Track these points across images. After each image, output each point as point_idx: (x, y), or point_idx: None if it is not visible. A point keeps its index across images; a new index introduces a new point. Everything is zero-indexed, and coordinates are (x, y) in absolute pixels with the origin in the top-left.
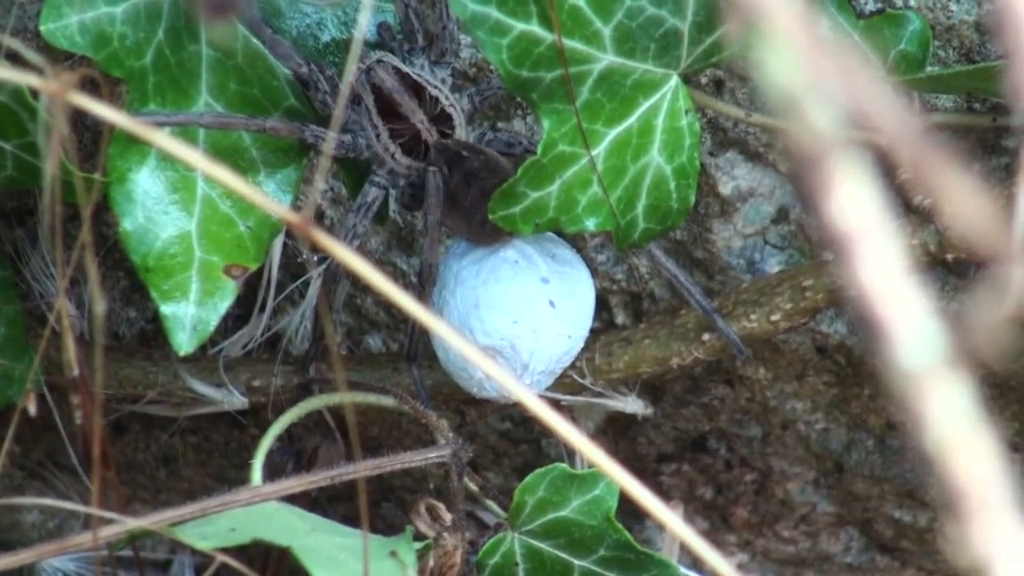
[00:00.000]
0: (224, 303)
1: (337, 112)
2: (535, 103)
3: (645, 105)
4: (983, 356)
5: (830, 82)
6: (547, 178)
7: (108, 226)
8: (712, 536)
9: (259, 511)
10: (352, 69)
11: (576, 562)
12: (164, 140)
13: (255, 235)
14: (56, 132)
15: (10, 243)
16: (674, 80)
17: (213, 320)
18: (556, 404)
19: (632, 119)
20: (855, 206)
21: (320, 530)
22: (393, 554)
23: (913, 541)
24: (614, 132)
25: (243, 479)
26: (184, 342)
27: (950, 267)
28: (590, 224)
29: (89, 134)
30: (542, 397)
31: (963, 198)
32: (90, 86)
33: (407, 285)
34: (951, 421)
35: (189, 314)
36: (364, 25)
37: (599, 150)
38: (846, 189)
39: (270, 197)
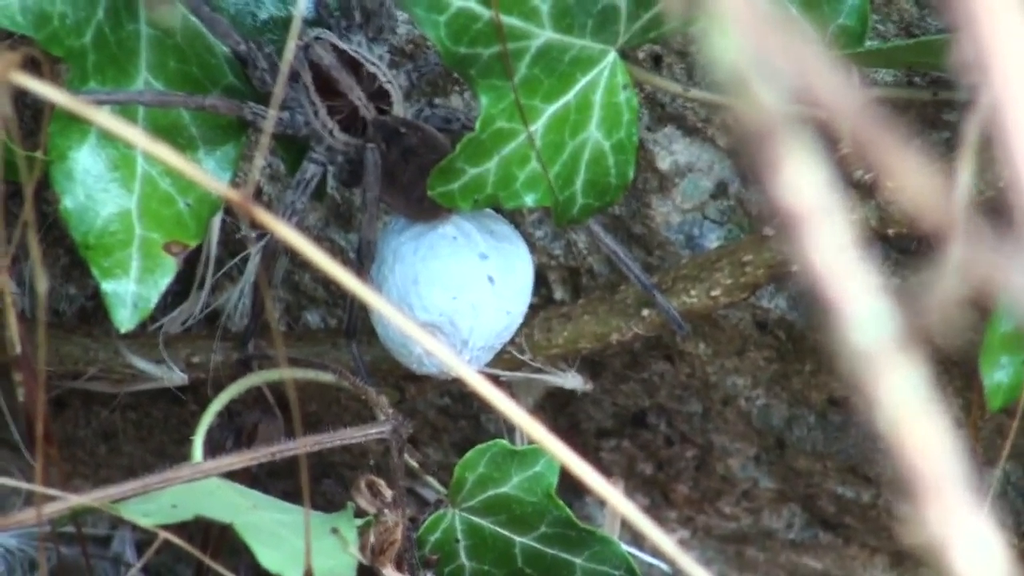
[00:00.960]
0: (164, 280)
1: (277, 90)
2: (473, 79)
3: (583, 81)
4: (931, 333)
5: (773, 57)
6: (485, 154)
7: (48, 203)
8: (653, 513)
9: (200, 488)
10: (292, 47)
11: (517, 539)
12: (104, 118)
13: (195, 212)
14: None
15: None
16: (612, 56)
17: (154, 297)
18: (495, 380)
19: (570, 95)
20: (802, 184)
21: (261, 507)
22: (334, 531)
23: (856, 517)
24: (552, 108)
25: (183, 455)
26: (125, 319)
27: (891, 242)
28: (529, 200)
29: (29, 112)
30: (481, 373)
31: (904, 173)
32: (31, 65)
33: (346, 261)
34: (903, 400)
35: (130, 291)
36: (303, 3)
37: (537, 126)
38: (792, 166)
39: (209, 174)
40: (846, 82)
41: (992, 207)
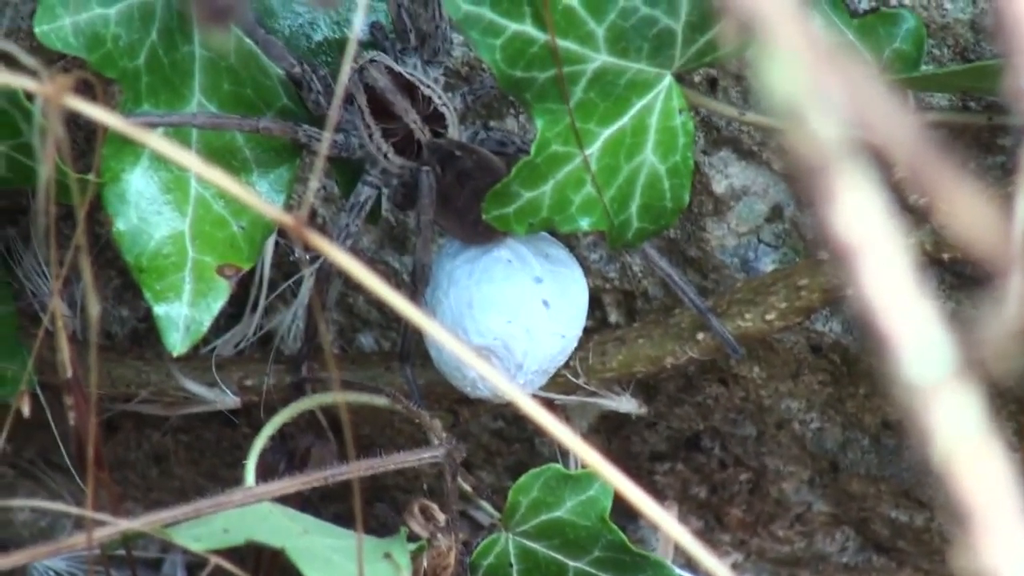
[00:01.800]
0: (217, 303)
1: (332, 112)
2: (528, 103)
3: (638, 105)
4: (989, 368)
5: (827, 84)
6: (540, 178)
7: (101, 225)
8: (706, 536)
9: (252, 512)
10: (347, 69)
11: (571, 563)
12: (157, 141)
13: (248, 235)
14: (51, 134)
15: (2, 242)
16: (667, 79)
17: (206, 320)
18: (549, 404)
19: (626, 119)
20: (857, 214)
21: (313, 531)
22: (387, 555)
23: (909, 541)
24: (608, 132)
25: (235, 478)
26: (177, 342)
27: (946, 266)
28: (584, 224)
29: (82, 134)
30: (535, 397)
31: (959, 199)
32: (84, 86)
33: (400, 284)
34: (959, 434)
35: (182, 314)
36: (359, 25)
37: (593, 150)
38: (847, 196)
39: (263, 197)
40: (900, 108)
41: None
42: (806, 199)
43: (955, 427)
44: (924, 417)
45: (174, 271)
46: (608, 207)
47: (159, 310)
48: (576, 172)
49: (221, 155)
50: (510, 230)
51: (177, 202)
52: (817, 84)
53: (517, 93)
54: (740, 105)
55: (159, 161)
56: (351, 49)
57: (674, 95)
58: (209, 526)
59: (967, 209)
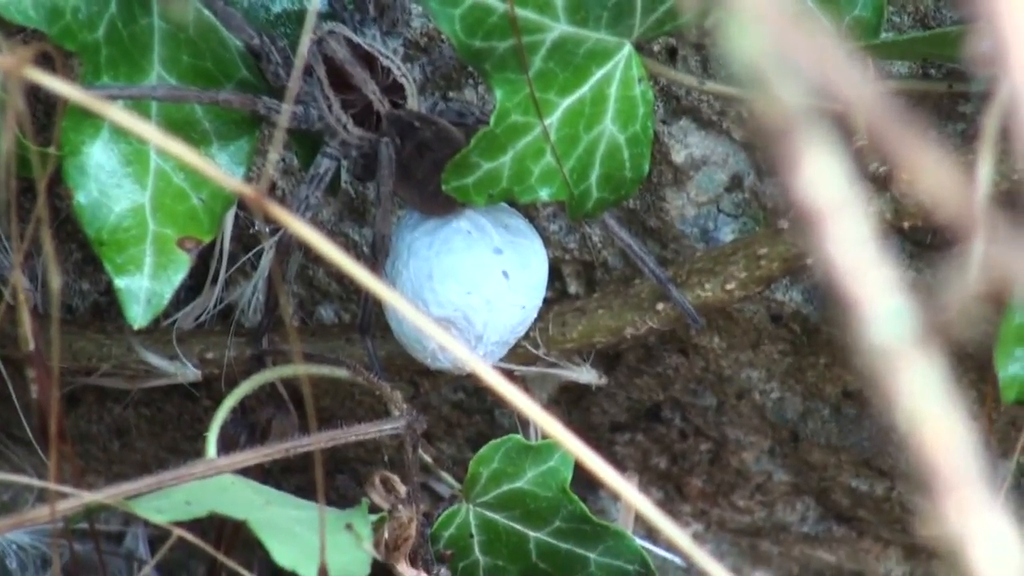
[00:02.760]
0: (178, 276)
1: (291, 84)
2: (488, 73)
3: (598, 74)
4: (949, 329)
5: (790, 51)
6: (500, 148)
7: (61, 199)
8: (667, 506)
9: (214, 484)
10: (306, 41)
11: (531, 533)
12: (117, 114)
13: (208, 207)
14: (11, 107)
15: None
16: (627, 49)
17: (167, 293)
18: (509, 374)
19: (585, 88)
20: (820, 179)
21: (275, 503)
22: (348, 527)
23: (870, 510)
24: (567, 101)
25: (197, 451)
26: (139, 315)
27: (906, 234)
28: (544, 194)
29: (42, 107)
30: (495, 368)
31: (921, 166)
32: (44, 60)
33: (360, 256)
34: (920, 397)
35: (143, 287)
36: None
37: (552, 120)
38: (811, 162)
39: (223, 169)
40: (862, 75)
41: (1009, 198)
42: (769, 166)
43: (918, 392)
44: (887, 383)
45: (135, 244)
46: (568, 177)
47: (120, 283)
48: (535, 142)
49: (181, 127)
50: (469, 201)
51: (137, 175)
52: (780, 50)
53: (476, 63)
54: (700, 74)
55: (119, 134)
56: (309, 20)
57: (634, 64)
58: (171, 498)
59: (929, 174)
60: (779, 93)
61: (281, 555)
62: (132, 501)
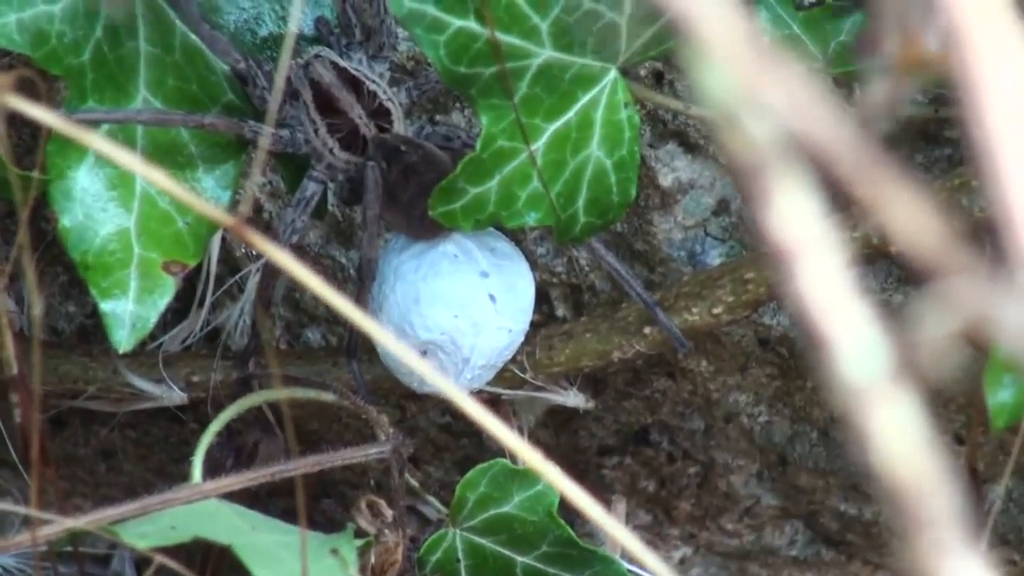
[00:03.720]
0: (163, 300)
1: (272, 107)
2: (473, 99)
3: (584, 99)
4: (926, 370)
5: (762, 83)
6: (486, 174)
7: (47, 221)
8: (655, 529)
9: (199, 509)
10: (286, 63)
11: (519, 558)
12: (99, 142)
13: (193, 231)
14: None
15: None
16: (612, 74)
17: (152, 317)
18: (496, 399)
19: (571, 113)
20: (795, 217)
21: (260, 528)
22: (334, 551)
23: (859, 534)
24: (553, 126)
25: (183, 474)
26: (123, 339)
27: (894, 259)
28: (531, 219)
29: (28, 130)
30: (482, 392)
31: (899, 199)
32: (28, 85)
33: (346, 279)
34: (895, 436)
35: (128, 311)
36: (297, 18)
37: (538, 145)
38: (785, 199)
39: (209, 193)
40: (837, 107)
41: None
42: (747, 196)
43: (891, 430)
44: (860, 420)
45: (120, 268)
46: (555, 202)
47: (105, 307)
48: (522, 167)
49: (167, 151)
50: (457, 226)
51: (123, 199)
52: (751, 84)
53: (462, 89)
54: (686, 98)
55: (104, 158)
56: (288, 44)
57: (619, 89)
58: (156, 523)
59: (906, 209)
60: (750, 126)
61: None
62: (116, 526)
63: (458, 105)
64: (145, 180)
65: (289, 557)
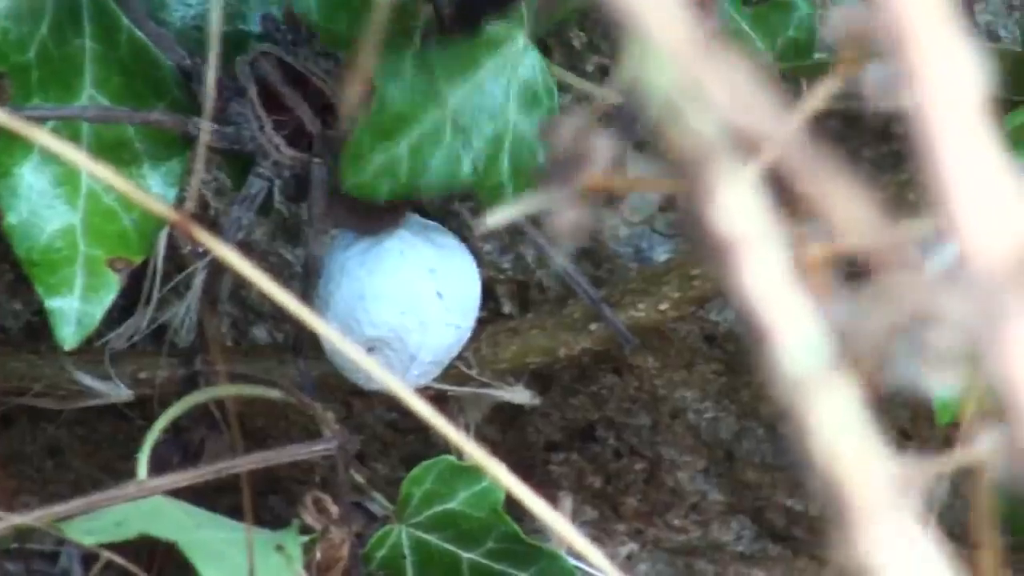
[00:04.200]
0: (108, 297)
1: (207, 103)
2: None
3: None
4: (867, 367)
5: (705, 79)
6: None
7: None
8: (602, 526)
9: (146, 505)
10: (213, 60)
11: (464, 555)
12: (46, 138)
13: (139, 228)
14: None
15: None
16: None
17: (98, 314)
18: (443, 396)
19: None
20: (736, 213)
21: (206, 525)
22: (279, 548)
23: (805, 529)
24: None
25: (131, 470)
26: (69, 336)
27: (839, 263)
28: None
29: None
30: (428, 388)
31: (840, 197)
32: None
33: (292, 276)
34: (837, 430)
35: (74, 308)
36: (216, 17)
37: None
38: (727, 195)
39: (155, 190)
40: (780, 104)
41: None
42: (690, 191)
43: (832, 425)
44: (801, 415)
45: (66, 265)
46: (476, 168)
47: (51, 304)
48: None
49: (113, 148)
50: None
51: (68, 196)
52: (693, 80)
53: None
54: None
55: (50, 156)
56: (214, 40)
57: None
58: (102, 520)
59: (847, 208)
60: (692, 122)
61: None
62: (62, 523)
63: None
64: (91, 177)
65: (235, 554)
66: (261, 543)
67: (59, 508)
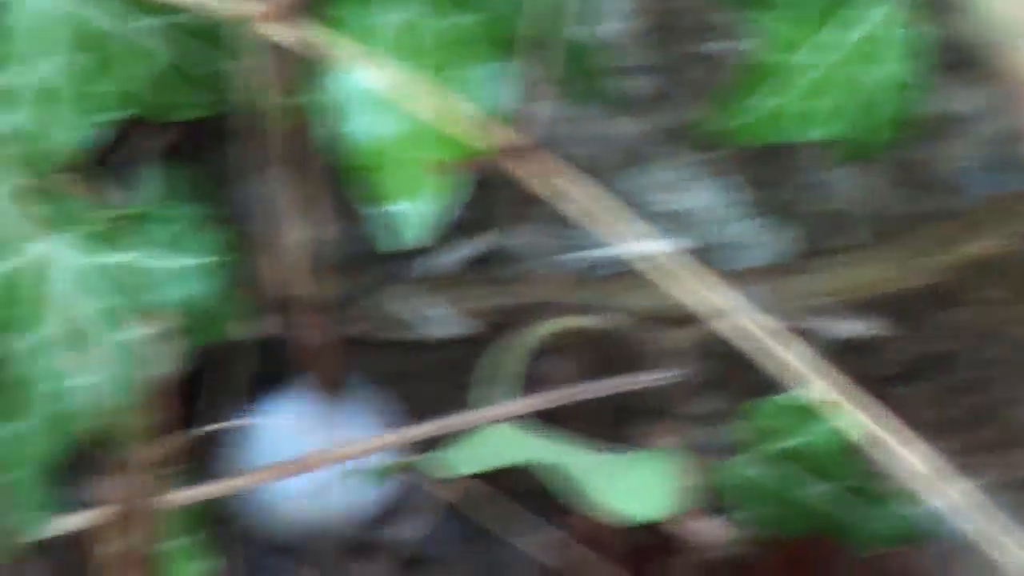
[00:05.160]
0: (446, 200)
1: None
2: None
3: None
4: None
5: None
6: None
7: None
8: (944, 463)
9: (495, 434)
10: None
11: (809, 491)
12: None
13: (470, 134)
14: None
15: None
16: None
17: (436, 215)
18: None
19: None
20: None
21: (566, 451)
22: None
23: None
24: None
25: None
26: (411, 238)
27: None
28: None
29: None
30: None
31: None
32: None
33: None
34: None
35: (414, 210)
36: None
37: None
38: None
39: (487, 92)
40: None
41: None
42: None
43: None
44: None
45: (404, 168)
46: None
47: (392, 208)
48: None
49: (452, 47)
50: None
51: (403, 103)
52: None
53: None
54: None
55: (386, 64)
56: None
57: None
58: (460, 452)
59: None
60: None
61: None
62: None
63: None
64: (425, 84)
65: (616, 476)
66: (633, 463)
67: (414, 430)
